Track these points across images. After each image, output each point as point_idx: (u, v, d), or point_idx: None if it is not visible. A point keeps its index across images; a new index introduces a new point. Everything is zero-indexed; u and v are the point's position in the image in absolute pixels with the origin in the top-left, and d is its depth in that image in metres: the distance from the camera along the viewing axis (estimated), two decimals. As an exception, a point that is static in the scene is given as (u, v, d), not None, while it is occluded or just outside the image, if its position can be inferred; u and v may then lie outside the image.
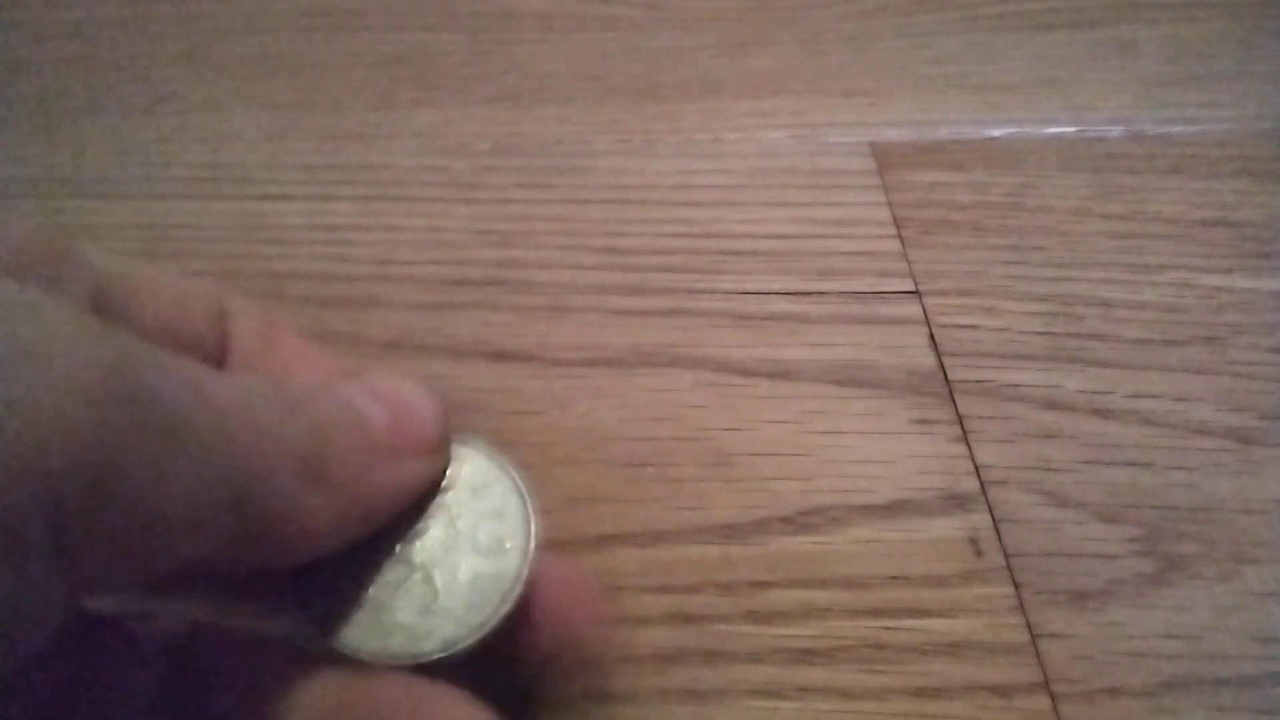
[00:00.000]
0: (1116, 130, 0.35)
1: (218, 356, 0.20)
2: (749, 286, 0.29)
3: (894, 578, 0.22)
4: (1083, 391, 0.26)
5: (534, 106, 0.36)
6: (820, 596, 0.21)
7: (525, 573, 0.17)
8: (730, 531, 0.23)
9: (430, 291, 0.29)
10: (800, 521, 0.23)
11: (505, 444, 0.25)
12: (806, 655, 0.20)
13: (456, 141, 0.35)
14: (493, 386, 0.26)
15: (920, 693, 0.20)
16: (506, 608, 0.17)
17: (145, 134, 0.35)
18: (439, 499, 0.19)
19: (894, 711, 0.20)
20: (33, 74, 0.39)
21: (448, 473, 0.19)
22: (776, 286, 0.29)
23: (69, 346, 0.13)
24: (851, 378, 0.26)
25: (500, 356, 0.27)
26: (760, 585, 0.22)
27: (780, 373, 0.26)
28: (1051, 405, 0.25)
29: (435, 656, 0.17)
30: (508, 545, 0.18)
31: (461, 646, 0.17)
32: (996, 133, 0.35)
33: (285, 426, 0.16)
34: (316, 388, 0.18)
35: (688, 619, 0.21)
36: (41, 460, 0.12)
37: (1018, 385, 0.26)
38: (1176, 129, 0.35)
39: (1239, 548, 0.22)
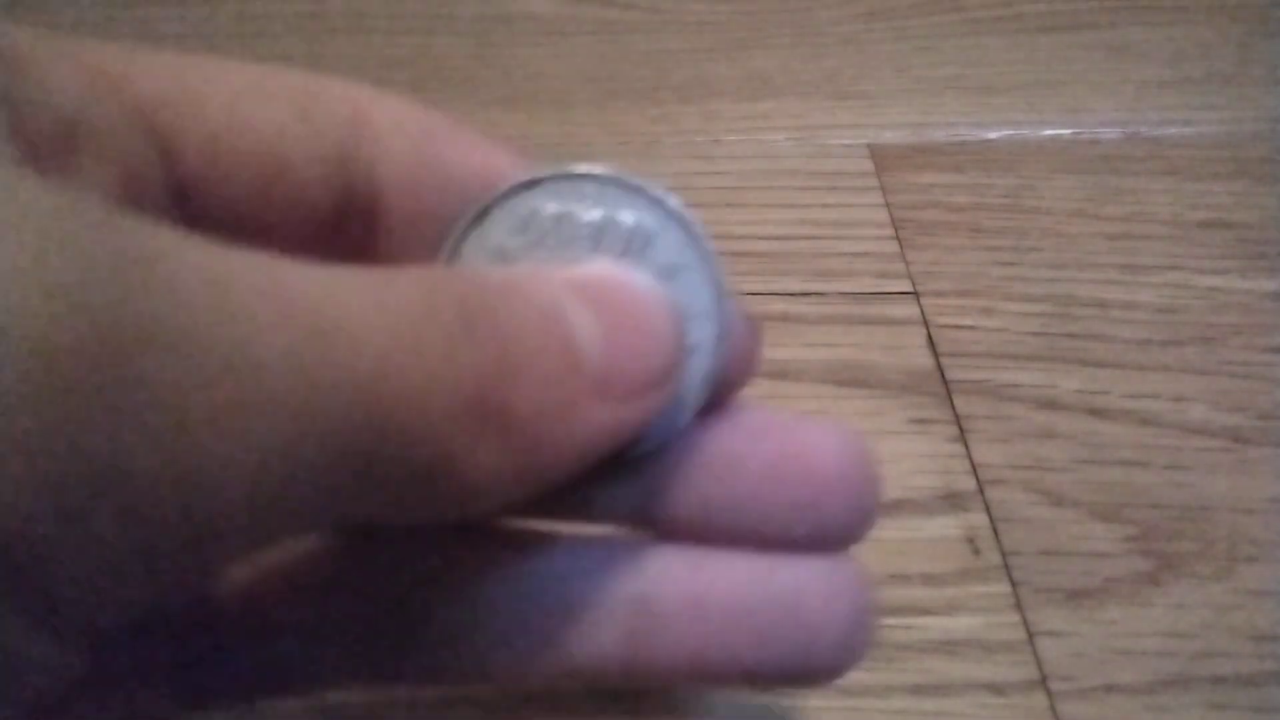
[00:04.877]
0: (1113, 132, 0.35)
1: (350, 214, 0.14)
2: (748, 287, 0.29)
3: (892, 576, 0.22)
4: (1079, 391, 0.26)
5: (535, 109, 0.36)
6: (819, 595, 0.22)
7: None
8: (729, 530, 0.23)
9: (431, 293, 0.29)
10: (799, 520, 0.23)
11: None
12: (805, 653, 0.21)
13: (457, 144, 0.35)
14: (493, 387, 0.26)
15: (918, 690, 0.20)
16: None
17: (147, 136, 0.35)
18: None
19: (892, 709, 0.20)
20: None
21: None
22: (775, 287, 0.29)
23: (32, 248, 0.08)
24: (850, 378, 0.26)
25: (501, 357, 0.27)
26: (759, 584, 0.22)
27: (779, 373, 0.27)
28: (1048, 405, 0.26)
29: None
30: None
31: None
32: (994, 135, 0.35)
33: (450, 361, 0.11)
34: (502, 284, 0.12)
35: (687, 617, 0.21)
36: None
37: (1015, 385, 0.26)
38: (1173, 131, 0.35)
39: (1235, 546, 0.22)
